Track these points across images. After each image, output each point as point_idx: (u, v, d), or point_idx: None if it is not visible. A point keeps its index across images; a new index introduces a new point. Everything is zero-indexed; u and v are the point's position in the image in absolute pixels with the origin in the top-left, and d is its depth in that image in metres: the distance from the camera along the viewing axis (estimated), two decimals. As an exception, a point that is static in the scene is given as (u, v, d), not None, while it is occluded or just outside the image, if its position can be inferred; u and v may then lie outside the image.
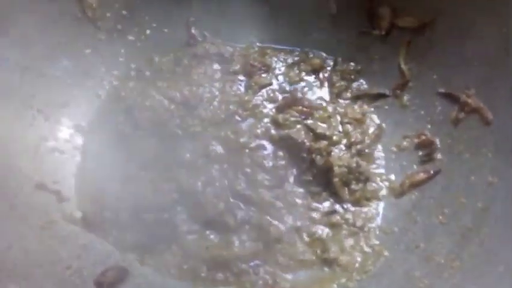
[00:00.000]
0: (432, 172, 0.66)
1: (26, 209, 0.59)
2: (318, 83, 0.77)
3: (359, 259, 0.61)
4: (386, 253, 0.61)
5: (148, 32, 0.79)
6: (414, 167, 0.68)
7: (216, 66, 0.78)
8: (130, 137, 0.70)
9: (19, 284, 0.50)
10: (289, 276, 0.60)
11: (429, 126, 0.69)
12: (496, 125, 0.61)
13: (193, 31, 0.80)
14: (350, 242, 0.62)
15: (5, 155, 0.61)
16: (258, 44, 0.80)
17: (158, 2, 0.78)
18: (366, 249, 0.62)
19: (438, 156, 0.66)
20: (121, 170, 0.67)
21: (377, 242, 0.62)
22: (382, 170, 0.70)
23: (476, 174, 0.60)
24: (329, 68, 0.78)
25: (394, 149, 0.71)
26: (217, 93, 0.75)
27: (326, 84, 0.77)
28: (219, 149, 0.70)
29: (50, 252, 0.55)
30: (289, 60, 0.79)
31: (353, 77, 0.77)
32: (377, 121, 0.73)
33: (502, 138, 0.59)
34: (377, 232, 0.64)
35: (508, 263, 0.47)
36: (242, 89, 0.77)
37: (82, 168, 0.68)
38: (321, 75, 0.78)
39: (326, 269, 0.61)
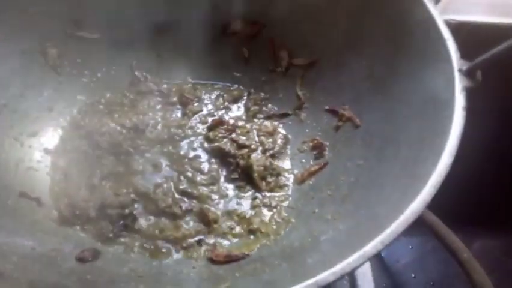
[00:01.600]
0: (322, 164, 0.80)
1: (15, 211, 0.70)
2: (237, 108, 0.92)
3: (274, 227, 0.75)
4: (293, 220, 0.75)
5: (98, 75, 0.91)
6: (311, 162, 0.83)
7: (157, 99, 0.91)
8: (91, 155, 0.81)
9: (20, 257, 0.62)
10: (225, 244, 0.73)
11: (319, 133, 0.84)
12: (362, 127, 0.79)
13: (136, 73, 0.93)
14: (267, 217, 0.76)
15: (-5, 173, 0.72)
16: (190, 80, 0.94)
17: (106, 50, 0.90)
18: (279, 220, 0.76)
19: (326, 153, 0.82)
20: (85, 180, 0.78)
21: (286, 215, 0.77)
22: (289, 166, 0.84)
23: (350, 161, 0.76)
24: (245, 97, 0.93)
25: (296, 151, 0.85)
26: (159, 119, 0.87)
27: (243, 108, 0.92)
28: (164, 160, 0.83)
29: (39, 240, 0.67)
30: (215, 92, 0.93)
31: (263, 102, 0.92)
32: (284, 132, 0.88)
33: (366, 135, 0.77)
34: (287, 209, 0.78)
35: (366, 208, 0.65)
36: (179, 115, 0.90)
37: (54, 181, 0.78)
38: (239, 102, 0.93)
39: (252, 236, 0.74)
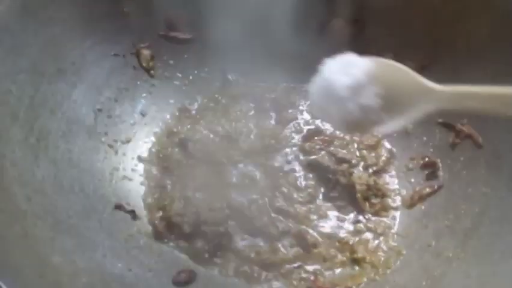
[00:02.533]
0: (436, 187, 0.72)
1: (110, 224, 0.68)
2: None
3: (382, 258, 0.68)
4: (404, 252, 0.68)
5: (190, 77, 0.87)
6: (422, 183, 0.75)
7: (250, 104, 0.86)
8: (184, 165, 0.78)
9: (118, 282, 0.60)
10: (326, 274, 0.68)
11: (431, 150, 0.77)
12: (486, 147, 0.70)
13: (228, 75, 0.89)
14: (373, 244, 0.70)
15: (90, 182, 0.71)
16: (284, 83, 0.88)
17: (198, 52, 0.87)
18: (387, 249, 0.69)
19: (441, 173, 0.73)
20: (179, 192, 0.75)
21: (395, 244, 0.70)
22: (395, 187, 0.76)
23: (472, 187, 0.68)
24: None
25: (403, 169, 0.77)
26: (253, 127, 0.83)
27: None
28: (258, 173, 0.77)
29: (134, 258, 0.65)
30: (311, 98, 0.89)
31: (364, 111, 0.87)
32: (388, 146, 0.80)
33: (491, 157, 0.68)
34: (395, 236, 0.71)
35: (501, 252, 0.56)
36: (273, 122, 0.84)
37: (148, 191, 0.76)
38: (338, 110, 0.89)
39: (356, 267, 0.68)
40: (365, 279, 0.66)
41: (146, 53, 0.85)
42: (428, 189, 0.74)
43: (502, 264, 0.54)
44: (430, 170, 0.76)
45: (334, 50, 0.83)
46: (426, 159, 0.77)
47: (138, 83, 0.84)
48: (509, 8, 0.70)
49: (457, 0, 0.75)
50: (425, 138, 0.79)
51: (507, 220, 0.60)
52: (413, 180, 0.77)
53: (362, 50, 0.83)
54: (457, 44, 0.77)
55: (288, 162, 0.80)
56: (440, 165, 0.75)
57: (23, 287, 0.51)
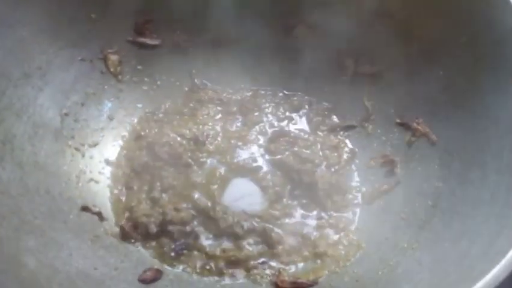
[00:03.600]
0: (393, 183, 0.75)
1: (77, 226, 0.69)
2: (299, 118, 0.87)
3: (342, 252, 0.70)
4: (363, 245, 0.70)
5: (158, 82, 0.88)
6: (381, 180, 0.78)
7: (217, 108, 0.87)
8: (151, 167, 0.79)
9: (83, 281, 0.61)
10: (290, 269, 0.69)
11: (389, 149, 0.79)
12: (439, 144, 0.73)
13: (196, 80, 0.90)
14: (334, 239, 0.72)
15: (56, 184, 0.71)
16: (250, 87, 0.90)
17: (166, 57, 0.88)
18: (347, 243, 0.71)
19: (398, 170, 0.76)
20: (146, 193, 0.76)
21: (356, 238, 0.72)
22: (356, 184, 0.79)
23: (426, 182, 0.71)
24: (306, 107, 0.88)
25: (364, 167, 0.80)
26: (219, 130, 0.84)
27: (305, 119, 0.87)
28: (224, 172, 0.79)
29: (100, 258, 0.66)
30: (276, 101, 0.89)
31: (326, 113, 0.87)
32: (350, 146, 0.83)
33: (444, 154, 0.71)
34: (356, 231, 0.73)
35: (451, 241, 0.59)
36: (240, 125, 0.86)
37: (115, 193, 0.77)
38: (300, 112, 0.88)
39: (318, 261, 0.70)
40: (326, 272, 0.68)
41: (114, 58, 0.86)
42: (386, 186, 0.76)
43: (451, 251, 0.57)
44: (389, 167, 0.78)
45: (296, 54, 0.90)
46: (385, 157, 0.79)
47: (105, 87, 0.85)
48: (461, 12, 0.73)
49: (410, 5, 0.78)
50: (384, 138, 0.82)
51: (456, 211, 0.63)
52: (372, 178, 0.79)
53: (325, 55, 0.88)
54: (412, 51, 0.80)
55: (254, 161, 0.82)
56: (397, 162, 0.78)
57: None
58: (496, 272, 0.45)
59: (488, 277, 0.44)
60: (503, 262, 0.45)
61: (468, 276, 0.47)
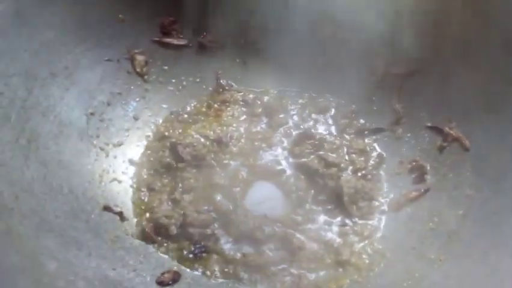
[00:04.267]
0: (423, 190, 0.72)
1: (97, 225, 0.69)
2: (325, 121, 0.85)
3: (366, 261, 0.68)
4: (388, 254, 0.68)
5: (184, 83, 0.88)
6: (409, 186, 0.75)
7: (242, 109, 0.87)
8: (174, 168, 0.78)
9: (101, 281, 0.61)
10: (311, 276, 0.67)
11: (419, 154, 0.77)
12: (473, 150, 0.70)
13: (221, 81, 0.89)
14: (358, 247, 0.69)
15: (80, 183, 0.72)
16: (276, 89, 0.88)
17: (192, 58, 0.88)
18: (371, 252, 0.69)
19: (428, 177, 0.74)
20: (168, 194, 0.76)
21: (381, 247, 0.69)
22: (383, 190, 0.76)
23: (457, 189, 0.68)
24: (333, 109, 0.86)
25: (392, 172, 0.77)
26: (243, 131, 0.83)
27: (332, 121, 0.85)
28: (247, 175, 0.78)
29: (119, 259, 0.66)
30: (301, 103, 0.87)
31: (354, 115, 0.84)
32: (378, 150, 0.81)
33: (478, 160, 0.69)
34: (381, 240, 0.70)
35: (480, 253, 0.56)
36: (264, 127, 0.85)
37: (137, 194, 0.77)
38: (327, 114, 0.86)
39: (340, 269, 0.68)
40: (348, 281, 0.66)
41: (140, 58, 0.86)
42: (414, 193, 0.74)
43: (480, 265, 0.54)
44: (418, 173, 0.76)
45: (324, 54, 0.87)
46: (414, 163, 0.77)
47: (131, 87, 0.85)
48: (497, 13, 0.70)
49: (445, 6, 0.75)
50: (413, 142, 0.79)
51: (488, 221, 0.60)
52: (401, 184, 0.77)
53: (350, 55, 0.86)
54: (445, 51, 0.77)
55: (278, 164, 0.81)
56: (428, 168, 0.75)
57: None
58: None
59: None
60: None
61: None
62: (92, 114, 0.80)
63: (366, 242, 0.71)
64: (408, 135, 0.80)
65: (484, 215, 0.62)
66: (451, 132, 0.74)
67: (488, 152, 0.68)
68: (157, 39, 0.87)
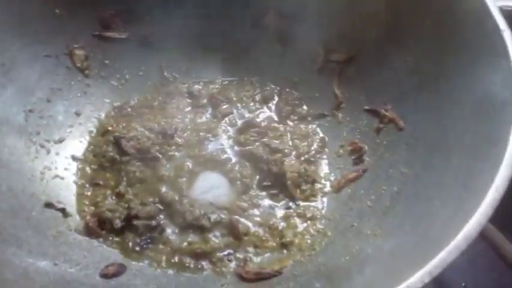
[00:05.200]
0: (361, 171, 0.75)
1: (39, 222, 0.68)
2: (269, 109, 0.87)
3: (308, 241, 0.69)
4: (329, 233, 0.69)
5: (127, 76, 0.88)
6: (350, 168, 0.77)
7: (187, 100, 0.87)
8: (118, 162, 0.78)
9: (41, 276, 0.60)
10: (256, 259, 0.69)
11: (358, 136, 0.79)
12: (406, 130, 0.72)
13: (165, 73, 0.89)
14: (301, 229, 0.71)
15: (19, 181, 0.71)
16: (220, 78, 0.90)
17: (134, 51, 0.88)
18: (314, 232, 0.71)
19: (366, 158, 0.76)
20: (112, 188, 0.76)
21: (322, 227, 0.71)
22: (325, 173, 0.78)
23: (393, 168, 0.70)
24: (276, 97, 0.88)
25: (334, 155, 0.79)
26: (188, 122, 0.83)
27: (275, 109, 0.87)
28: (192, 165, 0.78)
29: (62, 254, 0.65)
30: (245, 92, 0.88)
31: (297, 102, 0.86)
32: (320, 135, 0.83)
33: (411, 139, 0.71)
34: (322, 220, 0.72)
35: (411, 225, 0.58)
36: (209, 117, 0.85)
37: (80, 189, 0.76)
38: (270, 103, 0.88)
39: (285, 251, 0.69)
40: (291, 262, 0.68)
41: (79, 53, 0.85)
42: (354, 174, 0.76)
43: (410, 236, 0.56)
44: (357, 155, 0.78)
45: (266, 44, 0.89)
46: (354, 145, 0.79)
47: (72, 83, 0.84)
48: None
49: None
50: (353, 125, 0.82)
51: (419, 196, 0.63)
52: (341, 165, 0.79)
53: (292, 43, 0.88)
54: (379, 36, 0.80)
55: (223, 153, 0.81)
56: (366, 150, 0.77)
57: None
58: (445, 254, 0.44)
59: (435, 261, 0.43)
60: (453, 244, 0.45)
61: (422, 259, 0.46)
62: (31, 111, 0.78)
63: (309, 222, 0.73)
64: (348, 119, 0.82)
65: (416, 190, 0.64)
66: (387, 113, 0.76)
67: (421, 130, 0.70)
68: (97, 33, 0.86)
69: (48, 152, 0.78)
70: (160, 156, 0.80)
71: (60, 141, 0.80)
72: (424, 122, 0.71)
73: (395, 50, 0.77)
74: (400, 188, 0.67)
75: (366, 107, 0.80)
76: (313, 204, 0.75)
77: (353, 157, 0.78)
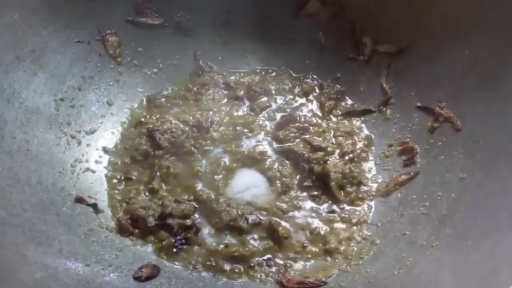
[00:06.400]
0: (412, 173, 0.69)
1: (70, 218, 0.65)
2: (310, 103, 0.82)
3: (355, 248, 0.65)
4: (377, 241, 0.65)
5: (160, 65, 0.84)
6: (399, 169, 0.72)
7: (223, 92, 0.83)
8: (151, 155, 0.75)
9: (72, 279, 0.56)
10: (297, 266, 0.64)
11: (409, 135, 0.74)
12: (464, 131, 0.67)
13: (200, 63, 0.86)
14: (346, 235, 0.66)
15: (50, 174, 0.68)
16: (258, 69, 0.86)
17: (168, 38, 0.84)
18: (360, 240, 0.66)
19: (418, 159, 0.70)
20: (145, 184, 0.73)
21: (369, 234, 0.66)
22: (372, 174, 0.73)
23: (449, 172, 0.65)
24: (317, 90, 0.83)
25: (381, 155, 0.75)
26: (224, 116, 0.80)
27: (316, 103, 0.82)
28: (229, 162, 0.74)
29: (93, 253, 0.61)
30: (285, 85, 0.83)
31: (339, 96, 0.81)
32: (366, 132, 0.78)
33: (470, 141, 0.65)
34: (370, 226, 0.68)
35: (475, 239, 0.53)
36: (246, 111, 0.81)
37: (112, 184, 0.73)
38: (311, 96, 0.83)
39: (329, 258, 0.65)
40: (336, 271, 0.63)
41: (113, 39, 0.82)
42: (404, 176, 0.71)
43: (474, 251, 0.51)
44: (408, 156, 0.73)
45: (310, 33, 0.84)
46: (404, 144, 0.74)
47: (104, 71, 0.81)
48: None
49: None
50: (403, 123, 0.77)
51: (482, 206, 0.57)
52: (390, 167, 0.74)
53: (340, 33, 0.82)
54: (434, 26, 0.74)
55: (261, 149, 0.77)
56: (418, 150, 0.72)
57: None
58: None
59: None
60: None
61: (491, 281, 0.41)
62: (62, 100, 0.75)
63: (355, 228, 0.68)
64: (397, 116, 0.78)
65: (477, 199, 0.59)
66: (442, 112, 0.71)
67: (481, 132, 0.65)
68: (130, 18, 0.83)
69: (79, 143, 0.75)
70: (195, 150, 0.76)
71: (92, 132, 0.77)
72: (484, 123, 0.65)
73: (452, 44, 0.71)
74: (458, 195, 0.62)
75: (418, 104, 0.75)
76: (359, 208, 0.71)
77: (403, 158, 0.73)
